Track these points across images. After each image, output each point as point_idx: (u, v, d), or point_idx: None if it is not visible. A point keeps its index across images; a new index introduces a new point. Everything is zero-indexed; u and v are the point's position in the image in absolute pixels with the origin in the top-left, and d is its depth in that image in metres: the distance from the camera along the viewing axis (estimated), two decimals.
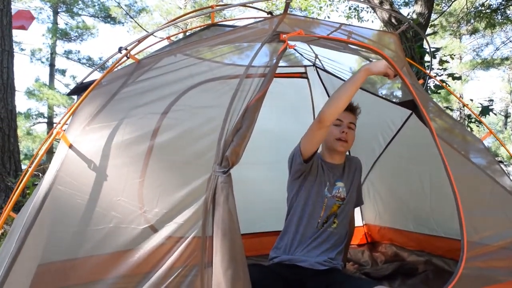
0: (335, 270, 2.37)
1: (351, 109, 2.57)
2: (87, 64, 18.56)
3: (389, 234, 3.71)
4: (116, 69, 2.08)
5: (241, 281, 1.50)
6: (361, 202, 2.86)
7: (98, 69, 2.91)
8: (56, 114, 17.70)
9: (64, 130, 1.72)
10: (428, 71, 3.37)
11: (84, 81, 2.23)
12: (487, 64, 17.97)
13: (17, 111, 6.45)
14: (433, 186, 3.16)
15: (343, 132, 2.48)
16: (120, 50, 2.09)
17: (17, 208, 2.08)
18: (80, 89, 2.12)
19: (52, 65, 18.27)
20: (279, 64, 1.98)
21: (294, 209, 2.51)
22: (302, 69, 3.83)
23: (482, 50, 18.83)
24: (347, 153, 2.80)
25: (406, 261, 3.22)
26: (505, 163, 13.67)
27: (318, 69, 3.74)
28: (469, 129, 5.55)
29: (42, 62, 18.27)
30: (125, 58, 2.12)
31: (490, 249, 2.02)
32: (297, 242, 2.40)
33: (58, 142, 1.73)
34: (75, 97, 2.39)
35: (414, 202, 3.38)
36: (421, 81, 2.71)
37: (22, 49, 17.32)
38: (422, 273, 2.93)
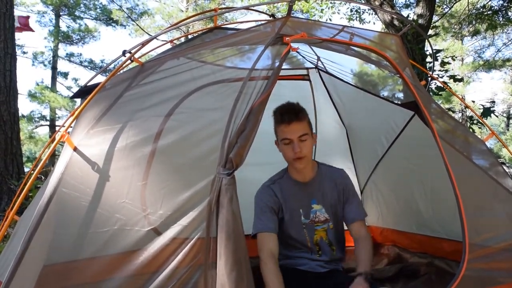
0: (336, 272, 2.37)
1: (295, 118, 2.21)
2: (89, 67, 18.63)
3: (391, 236, 3.71)
4: (119, 72, 2.10)
5: (244, 283, 1.51)
6: (358, 216, 2.42)
7: (101, 73, 2.92)
8: (58, 117, 17.77)
9: (69, 133, 1.73)
10: (430, 73, 3.38)
11: (87, 85, 2.25)
12: (489, 65, 17.96)
13: (19, 114, 6.48)
14: (435, 188, 3.16)
15: (296, 152, 2.19)
16: (124, 53, 2.10)
17: (19, 210, 2.09)
18: (84, 92, 2.13)
19: (54, 68, 18.32)
20: (282, 67, 1.99)
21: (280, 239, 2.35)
22: (304, 71, 3.83)
23: (483, 51, 18.85)
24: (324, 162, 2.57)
25: (408, 263, 3.22)
26: (507, 165, 13.65)
27: (320, 71, 3.75)
28: (471, 130, 5.55)
29: (44, 65, 18.34)
30: (128, 61, 2.13)
31: (492, 251, 2.02)
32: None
33: (62, 145, 1.74)
34: (78, 100, 2.41)
35: (417, 203, 3.37)
36: (423, 83, 2.72)
37: (24, 52, 17.39)
38: (424, 275, 2.93)
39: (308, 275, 2.26)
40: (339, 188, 2.41)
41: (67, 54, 18.73)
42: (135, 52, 2.11)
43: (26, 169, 6.72)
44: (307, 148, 2.23)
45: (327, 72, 3.61)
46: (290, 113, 2.22)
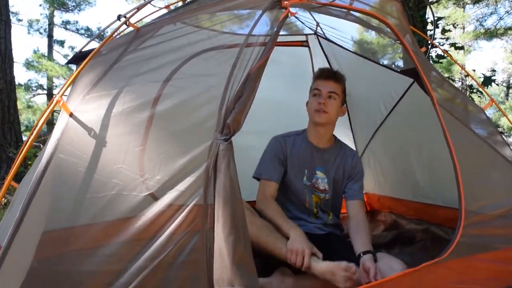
0: (334, 236, 2.41)
1: (333, 77, 2.38)
2: (86, 35, 18.32)
3: (388, 203, 3.74)
4: (115, 38, 2.07)
5: (242, 247, 1.52)
6: (359, 196, 2.47)
7: (96, 38, 2.87)
8: (56, 86, 17.61)
9: (65, 96, 1.72)
10: (430, 40, 3.34)
11: (83, 50, 2.21)
12: (490, 34, 17.68)
13: (16, 83, 6.44)
14: (432, 156, 3.17)
15: (320, 103, 2.32)
16: (119, 17, 2.07)
17: (19, 178, 2.10)
18: (79, 58, 2.10)
19: (50, 36, 18.03)
20: (280, 33, 1.96)
21: (278, 196, 2.47)
22: (303, 38, 3.78)
23: (485, 19, 18.51)
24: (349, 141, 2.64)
25: (404, 230, 3.26)
26: (505, 134, 13.67)
27: (319, 37, 3.70)
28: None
29: (40, 33, 18.02)
30: (124, 26, 2.10)
31: (488, 218, 2.05)
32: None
33: (59, 113, 1.72)
34: (74, 67, 2.38)
35: (414, 171, 3.39)
36: (423, 49, 2.68)
37: (19, 20, 17.07)
38: (420, 241, 2.97)
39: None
40: (347, 167, 2.48)
41: (63, 21, 18.38)
42: (131, 17, 2.07)
43: (24, 138, 6.72)
44: (331, 107, 2.35)
45: (326, 39, 3.57)
46: (331, 72, 2.42)
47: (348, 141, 3.93)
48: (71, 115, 1.65)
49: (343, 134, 3.95)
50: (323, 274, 1.97)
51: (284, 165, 2.43)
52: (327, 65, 3.72)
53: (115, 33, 2.09)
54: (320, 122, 2.38)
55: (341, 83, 2.40)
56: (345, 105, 2.50)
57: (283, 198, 2.48)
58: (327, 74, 2.38)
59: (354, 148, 3.93)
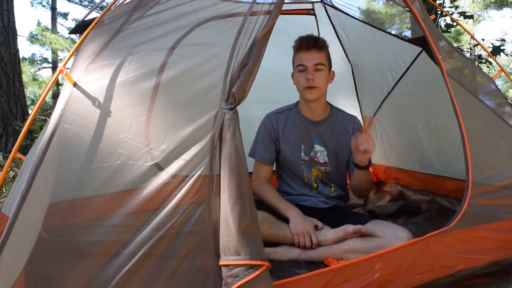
0: (339, 208, 2.41)
1: (315, 46, 2.24)
2: (89, 7, 18.13)
3: (394, 174, 3.73)
4: (118, 6, 2.03)
5: (248, 216, 1.52)
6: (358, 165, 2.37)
7: (97, 8, 2.82)
8: (60, 59, 17.51)
9: (68, 69, 1.70)
10: (440, 7, 3.27)
11: (85, 19, 2.18)
12: (501, 3, 17.29)
13: (21, 56, 6.40)
14: (439, 126, 3.13)
15: (308, 79, 2.21)
16: None
17: (27, 151, 2.10)
18: (81, 27, 2.07)
19: (53, 9, 17.83)
20: (285, 0, 1.91)
21: (278, 171, 2.51)
22: (309, 6, 3.69)
23: None
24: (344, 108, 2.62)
25: (410, 200, 3.26)
26: None
27: (326, 5, 3.61)
28: None
29: (43, 6, 17.86)
30: None
31: (494, 188, 2.05)
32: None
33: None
34: (77, 39, 2.35)
35: (420, 142, 3.37)
36: (432, 17, 2.62)
37: None
38: (426, 212, 2.97)
39: (309, 210, 2.29)
40: (349, 135, 2.39)
41: None
42: None
43: (30, 112, 6.72)
44: (321, 79, 2.24)
45: (333, 7, 3.49)
46: (310, 40, 2.25)
47: (354, 111, 3.90)
48: (74, 84, 1.63)
49: (350, 104, 3.92)
50: (334, 243, 2.04)
51: (276, 144, 2.40)
52: (333, 34, 3.66)
53: (118, 1, 2.05)
54: (312, 99, 2.30)
55: (324, 50, 2.27)
56: (332, 69, 2.38)
57: (285, 175, 2.48)
58: (308, 45, 2.24)
59: (360, 118, 3.90)
